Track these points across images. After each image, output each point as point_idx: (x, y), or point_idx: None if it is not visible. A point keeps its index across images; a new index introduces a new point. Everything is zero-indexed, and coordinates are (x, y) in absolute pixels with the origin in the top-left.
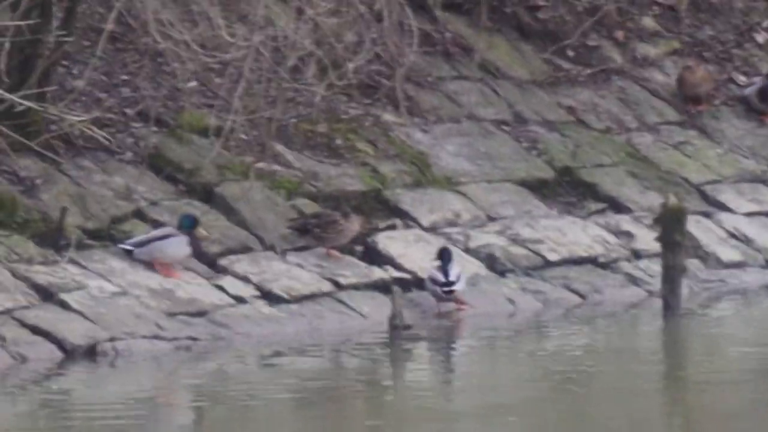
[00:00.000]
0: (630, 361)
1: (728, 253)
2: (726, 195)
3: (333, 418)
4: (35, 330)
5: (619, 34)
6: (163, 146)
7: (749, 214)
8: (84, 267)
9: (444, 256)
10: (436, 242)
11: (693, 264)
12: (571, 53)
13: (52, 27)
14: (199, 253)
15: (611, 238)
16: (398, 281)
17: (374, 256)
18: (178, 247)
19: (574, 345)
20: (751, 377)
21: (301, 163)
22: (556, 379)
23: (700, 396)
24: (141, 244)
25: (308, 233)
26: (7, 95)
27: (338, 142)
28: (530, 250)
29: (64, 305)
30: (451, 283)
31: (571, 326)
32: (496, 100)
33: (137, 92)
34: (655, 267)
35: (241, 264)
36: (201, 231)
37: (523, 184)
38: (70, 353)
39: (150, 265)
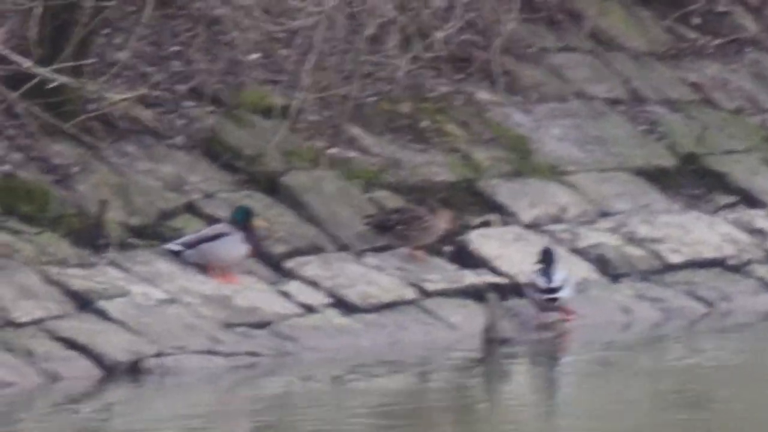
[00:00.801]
0: (767, 382)
1: None
2: None
3: None
4: (70, 344)
5: None
6: (220, 129)
7: None
8: (126, 270)
9: (546, 257)
10: (538, 241)
11: None
12: (696, 20)
13: None
14: (260, 254)
15: (744, 237)
16: (494, 287)
17: (466, 258)
18: (233, 246)
19: (699, 362)
20: None
21: (381, 148)
22: (677, 403)
23: None
24: (190, 245)
25: (389, 231)
26: (39, 69)
27: (424, 124)
28: (649, 250)
29: (104, 315)
30: (555, 290)
31: (697, 340)
32: (608, 76)
33: (190, 66)
34: None
35: (310, 267)
36: (259, 221)
37: (641, 173)
38: (110, 371)
39: (203, 267)
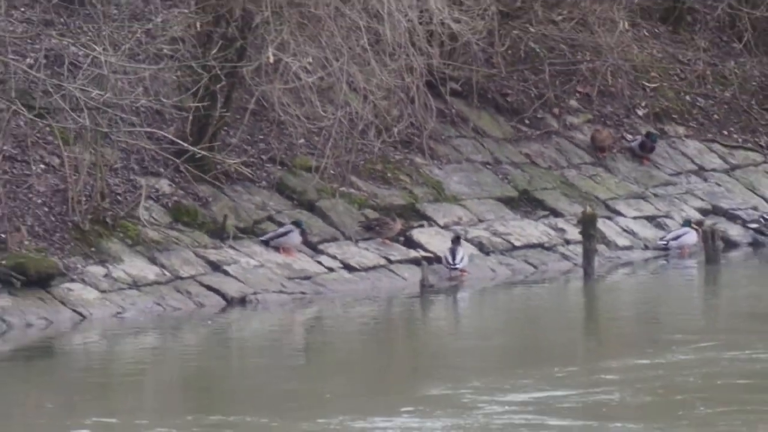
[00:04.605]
0: (563, 307)
1: (622, 241)
2: (620, 206)
3: (385, 338)
4: (208, 288)
5: (556, 110)
6: (285, 178)
7: (634, 218)
8: (238, 250)
9: (455, 241)
10: (448, 235)
11: (601, 248)
12: (527, 122)
13: (217, 106)
14: (306, 242)
15: (552, 232)
16: (426, 258)
17: (411, 243)
18: (296, 238)
19: (529, 296)
20: (634, 316)
21: (367, 188)
22: (518, 318)
23: (607, 327)
24: (273, 238)
25: (372, 230)
26: (192, 148)
27: (389, 175)
28: (504, 239)
29: (226, 273)
30: (456, 264)
31: (529, 285)
32: (483, 150)
33: (269, 145)
34: (578, 249)
35: (331, 248)
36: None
37: (499, 199)
38: (230, 302)
39: (278, 249)
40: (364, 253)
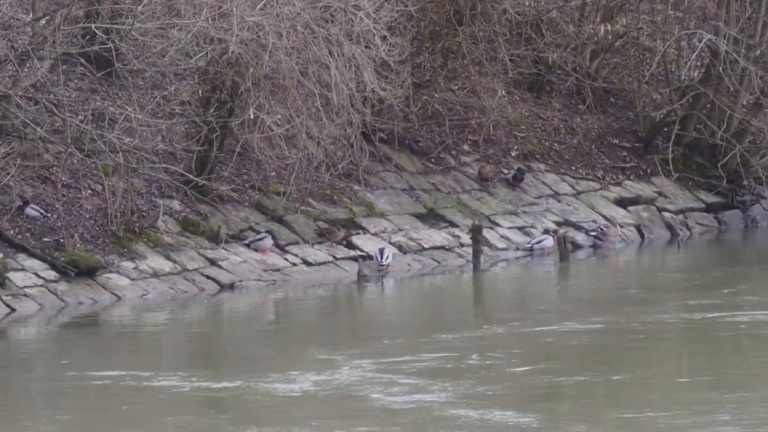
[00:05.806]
0: (457, 291)
1: (500, 244)
2: (499, 220)
3: (327, 313)
4: (208, 277)
5: (453, 152)
6: (261, 200)
7: (509, 228)
8: (228, 250)
9: (382, 249)
10: (378, 240)
11: (485, 249)
12: (433, 160)
13: (214, 149)
14: (276, 245)
15: (451, 238)
16: (362, 257)
17: (351, 246)
18: (268, 242)
19: (434, 284)
20: (504, 299)
21: (320, 207)
22: (424, 299)
23: (483, 307)
24: (253, 242)
25: (323, 236)
26: (196, 178)
27: (335, 198)
28: (417, 242)
29: (220, 266)
30: (383, 260)
31: (434, 276)
32: (402, 180)
33: (250, 177)
34: (469, 250)
35: (294, 249)
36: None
37: (413, 215)
38: (222, 287)
39: (256, 250)
40: (317, 253)
